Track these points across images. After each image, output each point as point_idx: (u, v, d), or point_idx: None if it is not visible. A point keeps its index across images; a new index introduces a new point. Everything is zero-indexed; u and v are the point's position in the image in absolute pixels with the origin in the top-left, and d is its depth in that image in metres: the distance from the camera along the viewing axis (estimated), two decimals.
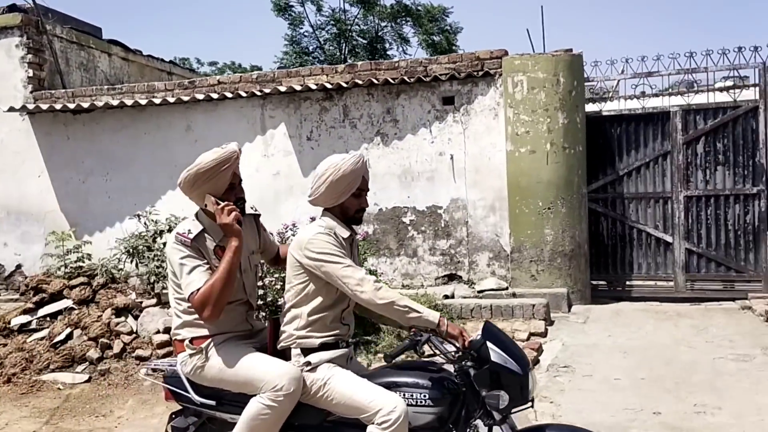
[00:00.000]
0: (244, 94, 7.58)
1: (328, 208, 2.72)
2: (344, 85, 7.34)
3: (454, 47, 23.89)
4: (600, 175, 7.48)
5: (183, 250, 2.64)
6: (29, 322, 6.73)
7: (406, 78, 7.23)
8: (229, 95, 7.61)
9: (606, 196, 7.48)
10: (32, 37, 8.46)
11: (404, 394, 2.45)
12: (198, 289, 2.56)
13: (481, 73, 7.11)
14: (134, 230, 6.93)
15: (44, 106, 7.99)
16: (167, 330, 6.12)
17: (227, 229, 2.63)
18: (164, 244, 6.63)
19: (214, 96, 7.62)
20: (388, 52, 25.05)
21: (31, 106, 8.03)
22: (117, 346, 6.10)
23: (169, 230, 6.68)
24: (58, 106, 7.93)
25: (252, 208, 2.94)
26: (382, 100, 7.44)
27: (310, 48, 26.37)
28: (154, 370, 3.12)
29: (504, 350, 2.44)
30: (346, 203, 2.69)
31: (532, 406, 2.46)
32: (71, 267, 7.23)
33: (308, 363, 2.58)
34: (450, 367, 2.55)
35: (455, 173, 7.25)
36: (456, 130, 7.28)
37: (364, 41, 26.23)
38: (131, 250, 6.72)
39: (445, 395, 2.47)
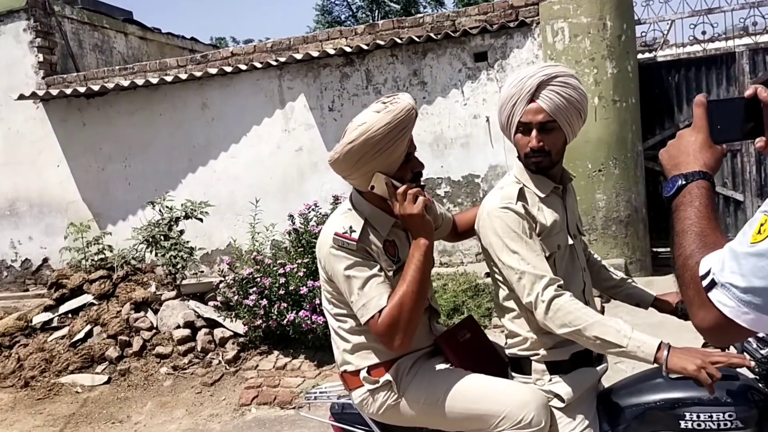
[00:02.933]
0: (259, 65, 7.03)
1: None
2: (365, 47, 6.69)
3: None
4: (657, 130, 6.66)
5: (348, 257, 1.90)
6: (51, 320, 6.44)
7: (432, 35, 6.53)
8: (244, 67, 7.06)
9: None
10: (40, 19, 8.07)
11: (697, 416, 1.78)
12: (380, 311, 1.86)
13: (515, 23, 6.35)
14: (151, 218, 6.52)
15: (55, 92, 7.61)
16: (188, 324, 5.72)
17: (413, 221, 1.90)
18: (181, 231, 6.21)
19: (228, 69, 7.09)
20: None
21: (41, 93, 7.66)
22: (137, 344, 5.72)
23: (186, 216, 6.24)
24: (68, 91, 7.54)
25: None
26: (407, 62, 6.77)
27: (342, 17, 25.65)
28: (315, 398, 2.41)
29: None
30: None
31: None
32: (92, 259, 6.89)
33: (558, 398, 1.90)
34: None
35: (492, 137, 6.55)
36: (491, 89, 6.56)
37: (398, 6, 25.34)
38: (150, 240, 6.31)
39: (753, 411, 1.77)
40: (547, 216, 1.95)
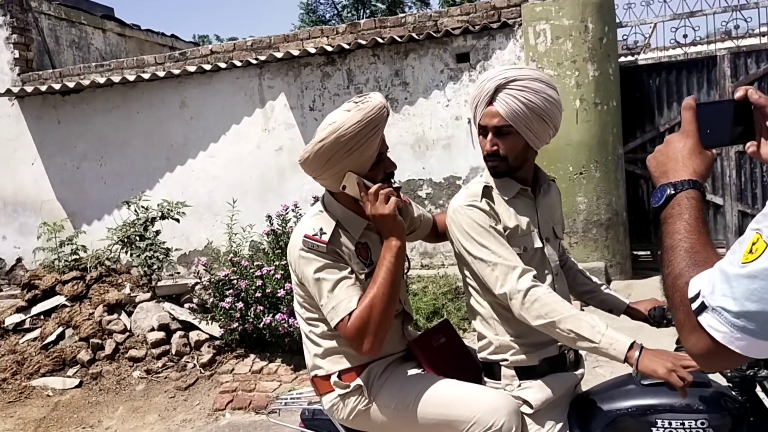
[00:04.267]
0: (239, 64, 6.92)
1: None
2: (346, 46, 6.62)
3: None
4: (638, 133, 6.66)
5: (318, 259, 1.85)
6: (23, 322, 6.29)
7: (414, 35, 6.47)
8: (223, 65, 6.96)
9: (645, 156, 6.61)
10: (16, 15, 7.90)
11: (669, 423, 1.71)
12: (350, 314, 1.81)
13: (497, 24, 6.31)
14: (127, 218, 6.39)
15: (29, 89, 7.45)
16: (162, 327, 5.61)
17: (385, 222, 1.85)
18: (157, 232, 6.10)
19: (207, 67, 6.98)
20: None
21: (16, 90, 7.49)
22: (109, 347, 5.60)
23: (162, 217, 6.13)
24: (43, 88, 7.39)
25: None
26: (389, 62, 6.71)
27: (327, 16, 25.54)
28: (286, 403, 2.35)
29: None
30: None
31: None
32: (66, 260, 6.74)
33: (527, 404, 1.86)
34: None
35: (474, 139, 6.51)
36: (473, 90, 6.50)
37: (383, 6, 25.30)
38: (124, 240, 6.19)
39: (726, 419, 1.72)
40: (511, 217, 1.93)
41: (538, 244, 1.96)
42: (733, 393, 1.78)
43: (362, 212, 1.93)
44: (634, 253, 6.73)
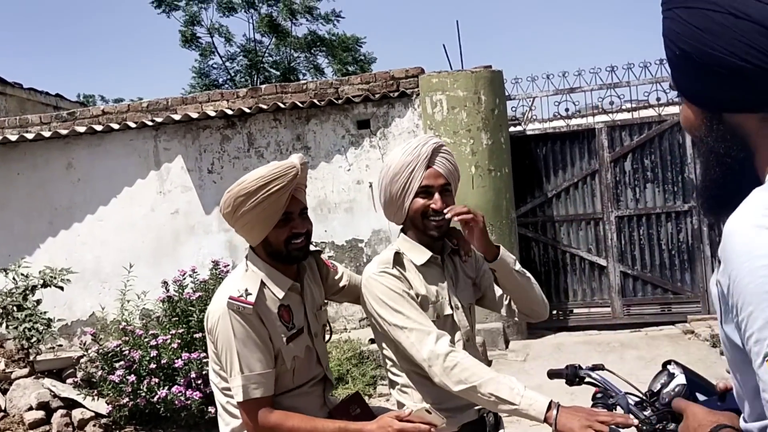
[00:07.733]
0: (133, 125, 6.71)
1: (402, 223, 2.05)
2: (247, 110, 6.60)
3: None
4: (528, 198, 7.04)
5: (241, 326, 1.81)
6: None
7: (315, 101, 6.58)
8: (116, 126, 6.71)
9: (536, 219, 7.03)
10: None
11: None
12: (264, 398, 1.83)
13: (396, 93, 6.55)
14: (2, 286, 5.87)
15: None
16: (41, 406, 5.11)
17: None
18: (38, 301, 5.64)
19: (98, 128, 6.70)
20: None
21: None
22: None
23: (44, 285, 5.68)
24: None
25: (312, 243, 2.04)
26: (290, 126, 6.75)
27: (220, 80, 25.42)
28: None
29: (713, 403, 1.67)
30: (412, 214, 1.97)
31: None
32: None
33: None
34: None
35: (375, 202, 6.61)
36: (374, 155, 6.67)
37: (277, 72, 25.55)
38: (0, 311, 5.66)
39: None
40: (421, 285, 1.95)
41: (447, 311, 1.98)
42: None
43: (285, 270, 1.92)
44: None
